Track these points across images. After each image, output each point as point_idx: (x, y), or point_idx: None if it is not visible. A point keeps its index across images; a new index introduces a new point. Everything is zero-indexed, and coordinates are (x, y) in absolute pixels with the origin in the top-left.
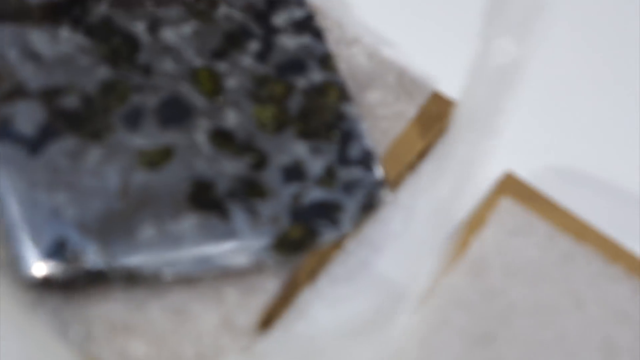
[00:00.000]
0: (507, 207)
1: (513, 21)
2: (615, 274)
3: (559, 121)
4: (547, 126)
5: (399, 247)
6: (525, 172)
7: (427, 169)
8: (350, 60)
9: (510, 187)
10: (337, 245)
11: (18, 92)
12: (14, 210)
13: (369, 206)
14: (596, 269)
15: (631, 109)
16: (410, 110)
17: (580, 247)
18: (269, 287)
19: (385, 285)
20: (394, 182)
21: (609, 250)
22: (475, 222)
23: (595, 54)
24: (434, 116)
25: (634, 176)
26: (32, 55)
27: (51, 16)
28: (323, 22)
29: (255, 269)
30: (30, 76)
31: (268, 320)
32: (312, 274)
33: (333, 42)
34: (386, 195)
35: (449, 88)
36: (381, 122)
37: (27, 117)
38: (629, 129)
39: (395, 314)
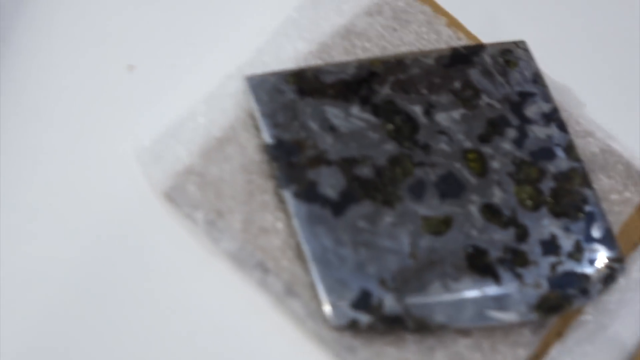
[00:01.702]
0: None
1: None
2: None
3: None
4: None
5: (630, 313)
6: None
7: None
8: (585, 150)
9: None
10: (580, 310)
11: (321, 159)
12: (324, 263)
13: (610, 279)
14: None
15: None
16: (636, 197)
17: None
18: (530, 341)
19: (619, 346)
20: (625, 258)
21: None
22: None
23: None
24: None
25: None
26: (330, 128)
27: (343, 94)
28: (564, 115)
29: (519, 326)
30: (330, 146)
31: None
32: (560, 334)
33: (572, 134)
34: (622, 269)
35: None
36: (613, 206)
37: (330, 181)
38: None
39: None
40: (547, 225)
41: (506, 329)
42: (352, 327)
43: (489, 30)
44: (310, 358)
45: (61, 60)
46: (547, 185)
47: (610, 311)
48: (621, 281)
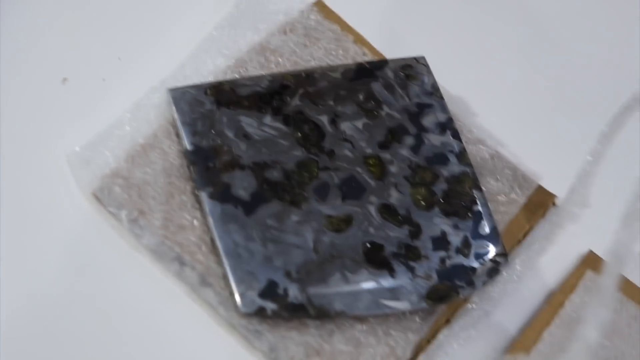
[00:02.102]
0: (591, 277)
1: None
2: None
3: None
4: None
5: (511, 302)
6: (601, 251)
7: (531, 244)
8: (476, 156)
9: (592, 262)
10: (467, 299)
11: (235, 164)
12: (235, 256)
13: (494, 271)
14: None
15: None
16: (521, 199)
17: None
18: (420, 327)
19: (501, 331)
20: (508, 254)
21: None
22: (567, 287)
23: None
24: (538, 204)
25: None
26: (245, 136)
27: (257, 105)
28: (457, 124)
29: (410, 313)
30: (244, 152)
31: (417, 352)
32: (448, 320)
33: (464, 141)
34: (505, 263)
35: (550, 183)
36: (500, 206)
37: (243, 184)
38: None
39: (508, 353)
40: (438, 224)
41: (399, 316)
42: (260, 314)
43: (392, 46)
44: (221, 342)
45: (1, 73)
46: (440, 187)
47: (493, 300)
48: (504, 274)
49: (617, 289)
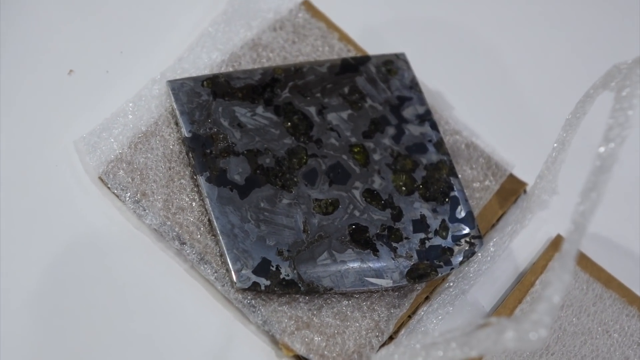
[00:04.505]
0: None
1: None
2: (631, 312)
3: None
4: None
5: (485, 282)
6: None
7: (504, 228)
8: (452, 146)
9: (561, 245)
10: (445, 278)
11: (230, 150)
12: (232, 236)
13: (470, 252)
14: (618, 308)
15: None
16: (494, 186)
17: (608, 292)
18: (402, 303)
19: (476, 307)
20: (483, 236)
21: (627, 295)
22: (537, 268)
23: None
24: (510, 191)
25: None
26: (239, 125)
27: (250, 96)
28: (435, 116)
29: (393, 290)
30: (238, 140)
31: (399, 326)
32: (427, 298)
33: (442, 132)
34: (480, 244)
35: (521, 171)
36: (475, 192)
37: (237, 169)
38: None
39: (497, 344)
40: (418, 208)
41: (382, 293)
42: (254, 289)
43: (375, 43)
44: (219, 315)
45: (12, 66)
46: (419, 174)
47: (469, 279)
48: (479, 255)
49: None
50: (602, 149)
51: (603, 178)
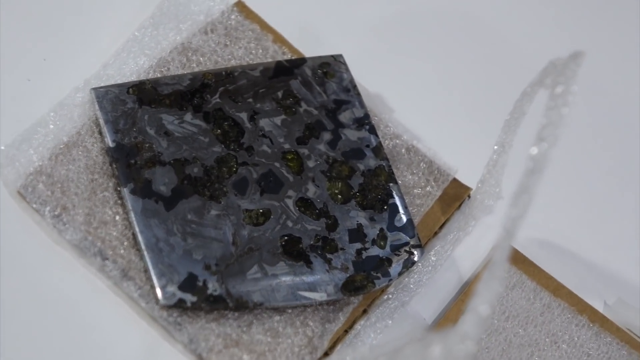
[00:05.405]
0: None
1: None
2: (580, 322)
3: (545, 203)
4: (534, 205)
5: (427, 293)
6: (517, 242)
7: (446, 235)
8: (392, 150)
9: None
10: (383, 290)
11: (156, 160)
12: (156, 251)
13: (410, 262)
14: (567, 318)
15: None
16: (436, 192)
17: (556, 301)
18: (337, 318)
19: (416, 320)
20: (424, 245)
21: (577, 304)
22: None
23: (591, 144)
24: (453, 197)
25: (598, 248)
26: (165, 133)
27: (178, 103)
28: (374, 120)
29: (328, 304)
30: (164, 149)
31: (335, 342)
32: (365, 311)
33: (381, 136)
34: (420, 254)
35: (465, 176)
36: (416, 199)
37: (163, 180)
38: (593, 209)
39: (425, 339)
40: (355, 216)
41: (317, 307)
42: (180, 306)
43: (311, 45)
44: (143, 334)
45: None
46: (356, 181)
47: (409, 291)
48: (420, 265)
49: (523, 265)
50: (534, 150)
51: (534, 180)
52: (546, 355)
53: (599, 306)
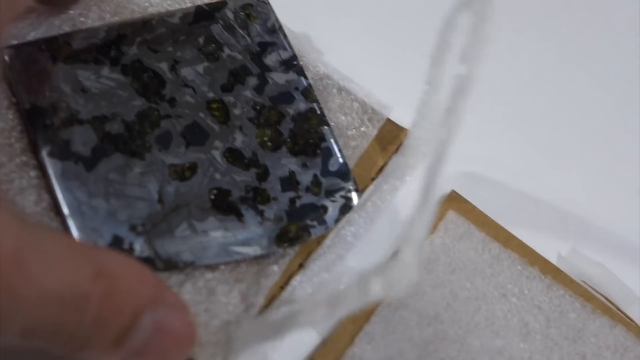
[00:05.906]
0: (452, 218)
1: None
2: (531, 274)
3: (495, 149)
4: (485, 152)
5: (365, 245)
6: (465, 191)
7: (384, 182)
8: (322, 92)
9: (455, 202)
10: (319, 241)
11: (73, 119)
12: (79, 214)
13: (346, 208)
14: (518, 270)
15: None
16: (372, 131)
17: (506, 252)
18: (273, 272)
19: (353, 274)
20: (361, 190)
21: (528, 255)
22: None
23: (531, 86)
24: (390, 138)
25: (552, 198)
26: (82, 90)
27: (94, 58)
28: (303, 61)
29: (263, 258)
30: (82, 107)
31: (271, 298)
32: (302, 265)
33: (310, 77)
34: (357, 200)
35: (401, 116)
36: (350, 141)
37: (82, 140)
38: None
39: (363, 296)
40: (286, 164)
41: (251, 262)
42: None
43: None
44: None
45: None
46: (286, 127)
47: (346, 244)
48: (356, 216)
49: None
50: (460, 70)
51: (461, 100)
52: (494, 309)
53: (552, 258)
